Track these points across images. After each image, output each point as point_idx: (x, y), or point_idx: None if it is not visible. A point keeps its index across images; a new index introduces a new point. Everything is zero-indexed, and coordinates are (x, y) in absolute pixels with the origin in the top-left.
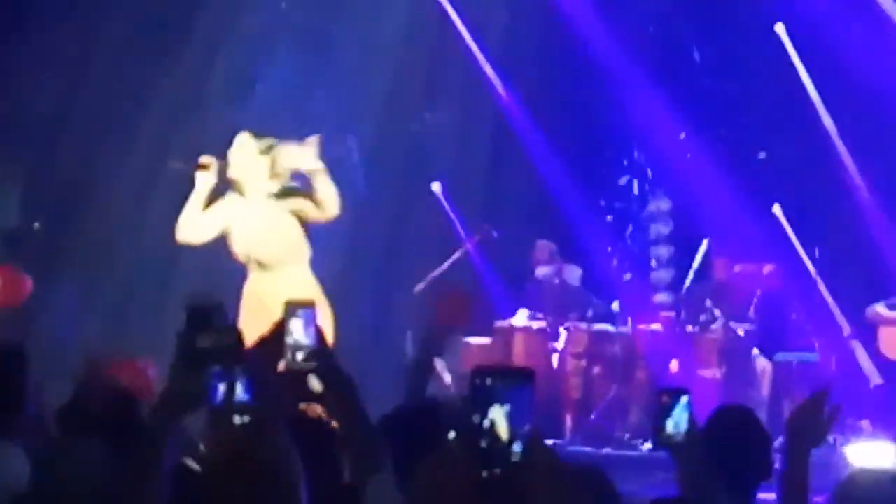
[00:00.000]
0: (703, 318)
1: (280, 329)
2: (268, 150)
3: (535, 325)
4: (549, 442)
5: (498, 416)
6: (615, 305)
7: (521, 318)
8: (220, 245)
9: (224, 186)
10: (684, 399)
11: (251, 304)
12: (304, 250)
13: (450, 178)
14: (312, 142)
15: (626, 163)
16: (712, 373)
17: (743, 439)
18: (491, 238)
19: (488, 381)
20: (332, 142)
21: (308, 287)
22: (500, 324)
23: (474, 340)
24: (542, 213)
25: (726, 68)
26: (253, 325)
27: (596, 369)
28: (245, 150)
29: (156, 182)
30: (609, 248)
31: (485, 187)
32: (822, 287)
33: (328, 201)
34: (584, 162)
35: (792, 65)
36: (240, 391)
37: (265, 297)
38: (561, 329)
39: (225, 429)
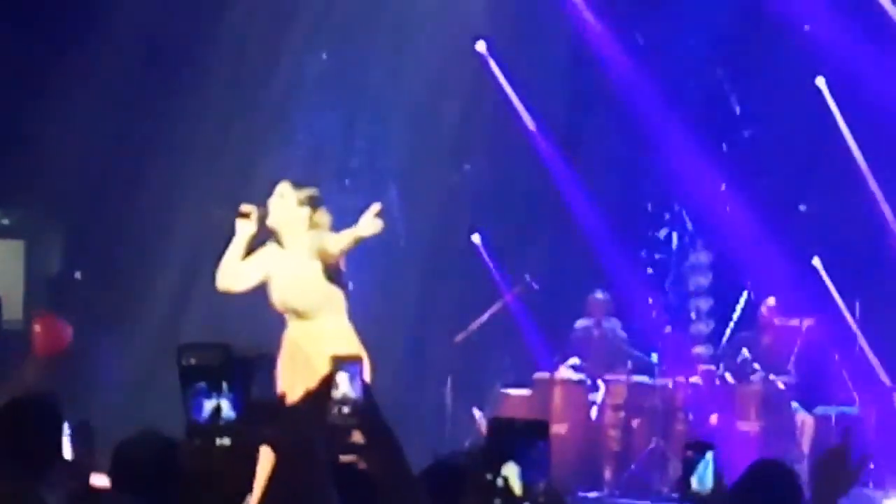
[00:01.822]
0: (742, 370)
1: (326, 383)
2: (308, 201)
3: (575, 376)
4: (591, 494)
5: (511, 473)
6: (655, 357)
7: (564, 369)
8: (261, 295)
9: (265, 235)
10: (709, 455)
11: (290, 353)
12: (341, 300)
13: (490, 230)
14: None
15: (666, 215)
16: (752, 426)
17: (778, 495)
18: (531, 290)
19: (503, 435)
20: (372, 192)
21: (345, 337)
22: (539, 375)
23: (513, 392)
24: (582, 265)
25: (767, 121)
26: (292, 374)
27: (635, 422)
28: (285, 199)
29: (195, 230)
30: (649, 300)
31: (524, 239)
32: (862, 340)
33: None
34: (625, 214)
35: (833, 118)
36: (225, 410)
37: (304, 346)
38: (600, 381)
39: (203, 448)
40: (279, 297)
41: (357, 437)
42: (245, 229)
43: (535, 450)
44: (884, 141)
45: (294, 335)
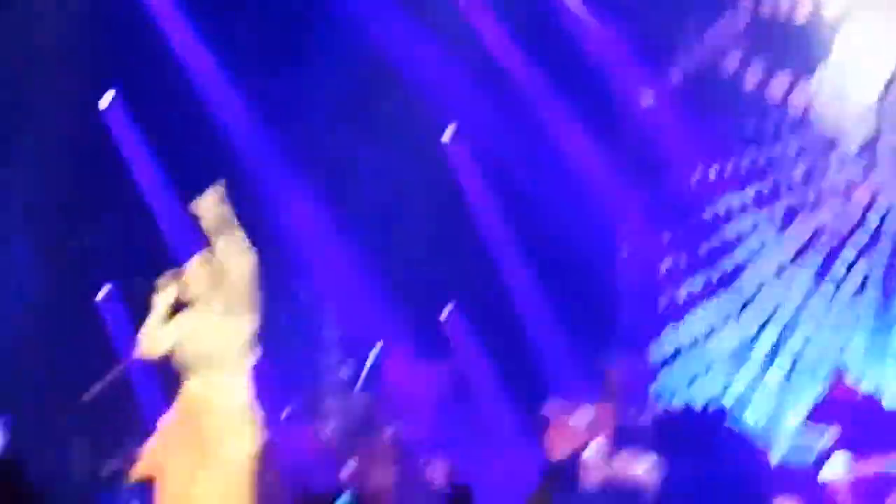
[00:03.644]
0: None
1: None
2: (220, 264)
3: None
4: None
5: None
6: None
7: None
8: None
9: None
10: None
11: (183, 406)
12: (244, 358)
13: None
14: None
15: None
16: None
17: None
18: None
19: None
20: None
21: (239, 394)
22: None
23: None
24: None
25: (393, 176)
26: (179, 427)
27: None
28: (206, 267)
29: None
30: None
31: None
32: (490, 387)
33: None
34: None
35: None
36: None
37: (198, 401)
38: None
39: None
40: (190, 348)
41: None
42: (164, 299)
43: None
44: (508, 187)
45: (191, 389)
